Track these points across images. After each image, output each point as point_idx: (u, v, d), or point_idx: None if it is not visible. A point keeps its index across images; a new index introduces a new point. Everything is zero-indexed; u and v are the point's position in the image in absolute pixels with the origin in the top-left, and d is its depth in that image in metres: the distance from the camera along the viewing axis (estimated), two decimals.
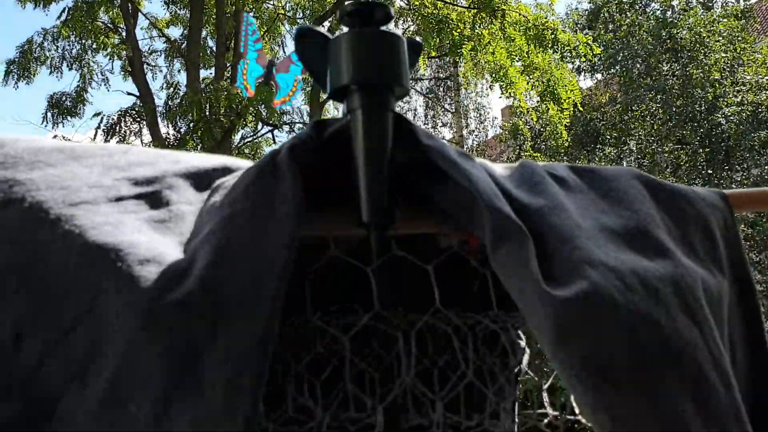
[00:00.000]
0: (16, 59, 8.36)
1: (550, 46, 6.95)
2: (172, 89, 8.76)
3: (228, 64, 7.98)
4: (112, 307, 0.48)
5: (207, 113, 7.06)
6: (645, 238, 0.60)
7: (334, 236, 0.65)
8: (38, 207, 0.51)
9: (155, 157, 0.63)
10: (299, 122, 9.02)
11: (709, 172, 9.19)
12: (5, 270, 0.49)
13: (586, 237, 0.58)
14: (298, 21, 9.01)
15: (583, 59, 7.75)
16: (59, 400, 0.48)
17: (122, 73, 8.82)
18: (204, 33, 8.49)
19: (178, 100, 7.88)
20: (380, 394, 0.65)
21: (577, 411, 0.68)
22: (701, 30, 9.70)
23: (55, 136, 7.79)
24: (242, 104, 6.94)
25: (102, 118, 8.16)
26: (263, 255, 0.52)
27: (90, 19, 7.92)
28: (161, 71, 9.59)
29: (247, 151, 9.24)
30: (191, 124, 7.31)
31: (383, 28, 0.63)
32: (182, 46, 8.59)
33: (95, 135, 8.05)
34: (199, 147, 7.40)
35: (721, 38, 9.73)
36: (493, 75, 7.07)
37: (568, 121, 7.48)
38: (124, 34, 8.25)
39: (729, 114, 9.06)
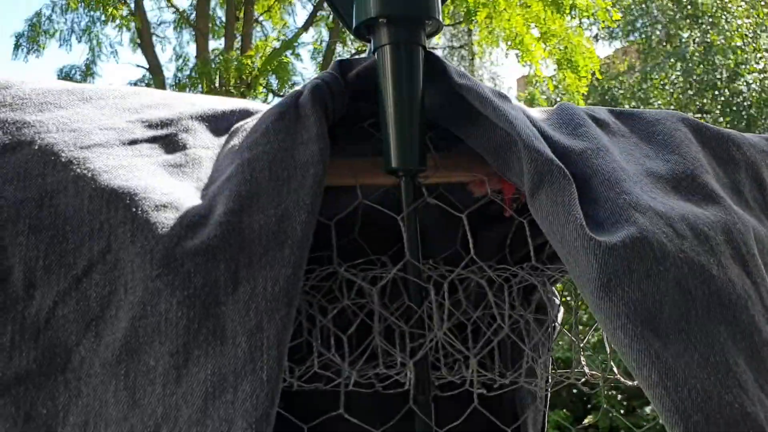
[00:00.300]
0: (25, 32, 8.32)
1: (567, 12, 6.77)
2: (181, 61, 8.69)
3: (238, 35, 7.88)
4: (127, 254, 0.46)
5: (217, 85, 6.99)
6: (693, 184, 0.57)
7: (360, 184, 0.59)
8: (48, 150, 0.49)
9: (170, 99, 0.60)
10: None
11: None
12: (15, 215, 0.47)
13: (633, 182, 0.54)
14: None
15: (602, 26, 7.56)
16: (73, 350, 0.46)
17: (131, 45, 8.75)
18: (213, 2, 8.37)
19: (188, 72, 7.81)
20: (410, 349, 0.61)
21: (616, 370, 0.63)
22: None
23: None
24: (252, 75, 6.85)
25: None
26: (286, 200, 0.49)
27: None
28: (170, 43, 9.52)
29: None
30: None
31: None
32: (191, 17, 8.48)
33: None
34: None
35: (743, 3, 9.46)
36: (509, 43, 6.90)
37: (585, 90, 7.31)
38: (132, 5, 8.16)
39: (751, 81, 8.86)
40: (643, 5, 9.86)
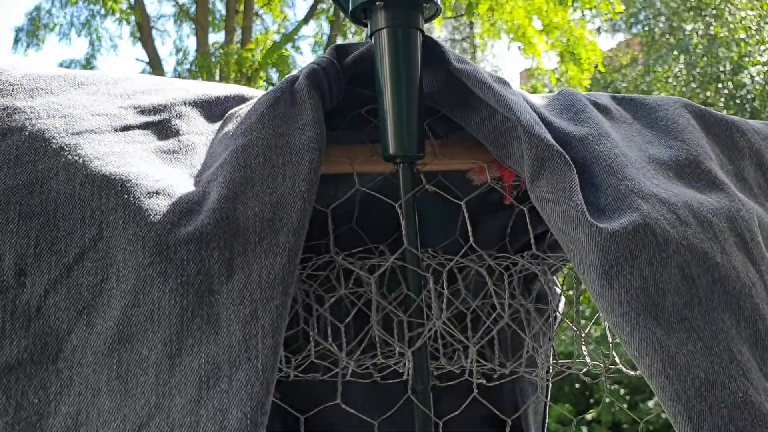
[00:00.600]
0: (25, 26, 8.32)
1: (570, 3, 6.73)
2: (181, 54, 8.67)
3: (238, 28, 7.85)
4: (119, 242, 0.45)
5: (217, 78, 6.97)
6: (697, 170, 0.56)
7: (358, 171, 0.58)
8: (39, 136, 0.48)
9: (163, 85, 0.59)
10: None
11: None
12: (5, 201, 0.46)
13: (635, 168, 0.53)
14: None
15: (605, 18, 7.52)
16: (65, 339, 0.45)
17: (131, 38, 8.74)
18: None
19: (188, 66, 7.79)
20: (409, 338, 0.60)
21: (618, 360, 0.63)
22: None
23: None
24: (253, 68, 6.83)
25: None
26: (282, 187, 0.48)
27: None
28: (170, 36, 9.51)
29: None
30: None
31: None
32: (191, 10, 8.46)
33: None
34: None
35: None
36: (511, 35, 6.86)
37: (588, 83, 7.27)
38: None
39: (754, 74, 8.82)
40: None
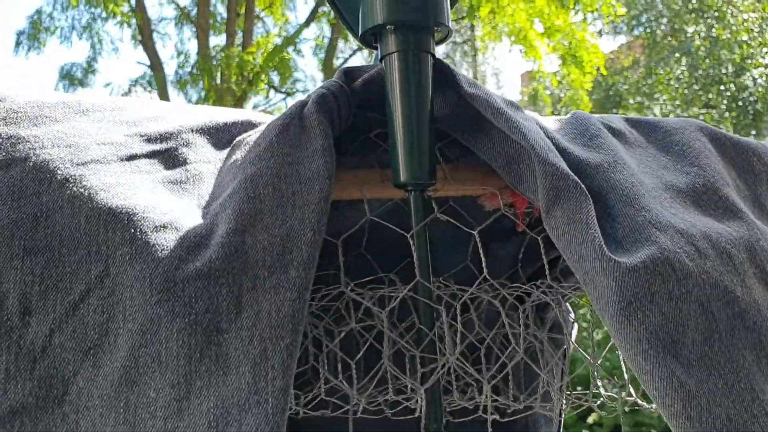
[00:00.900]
0: (26, 30, 8.33)
1: (572, 6, 6.71)
2: (182, 57, 8.66)
3: (239, 31, 7.85)
4: (126, 278, 0.44)
5: (218, 82, 6.97)
6: (714, 198, 0.54)
7: (367, 198, 0.57)
8: (44, 167, 0.47)
9: (170, 111, 0.59)
10: (313, 89, 8.87)
11: None
12: (9, 236, 0.45)
13: (652, 197, 0.52)
14: None
15: (607, 21, 7.50)
16: (71, 381, 0.44)
17: (132, 41, 8.75)
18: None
19: (189, 69, 7.79)
20: (421, 375, 0.59)
21: (634, 393, 0.61)
22: None
23: None
24: (254, 71, 6.83)
25: (112, 89, 8.13)
26: (291, 218, 0.47)
27: None
28: (171, 39, 9.51)
29: None
30: (202, 93, 7.24)
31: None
32: (192, 13, 8.46)
33: None
34: None
35: None
36: (512, 38, 6.85)
37: (590, 86, 7.26)
38: (133, 2, 8.14)
39: (757, 76, 8.80)
40: None
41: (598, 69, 7.12)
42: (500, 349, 0.64)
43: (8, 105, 0.51)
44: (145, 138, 0.54)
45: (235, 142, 0.57)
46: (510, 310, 0.62)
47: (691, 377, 0.43)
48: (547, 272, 0.60)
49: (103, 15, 8.39)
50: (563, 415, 0.69)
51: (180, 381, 0.42)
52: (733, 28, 9.15)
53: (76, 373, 0.44)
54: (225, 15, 8.12)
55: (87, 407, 0.43)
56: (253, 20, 8.02)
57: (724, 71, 9.13)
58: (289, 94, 8.51)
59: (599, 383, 0.62)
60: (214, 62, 6.98)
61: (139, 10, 7.92)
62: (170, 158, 0.54)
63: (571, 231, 0.48)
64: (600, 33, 9.99)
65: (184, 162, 0.54)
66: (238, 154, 0.54)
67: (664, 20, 9.79)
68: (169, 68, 8.44)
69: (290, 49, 7.38)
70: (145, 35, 7.91)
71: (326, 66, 8.23)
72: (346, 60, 8.43)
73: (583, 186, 0.49)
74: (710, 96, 9.28)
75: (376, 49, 0.57)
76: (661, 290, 0.45)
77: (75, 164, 0.48)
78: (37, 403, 0.43)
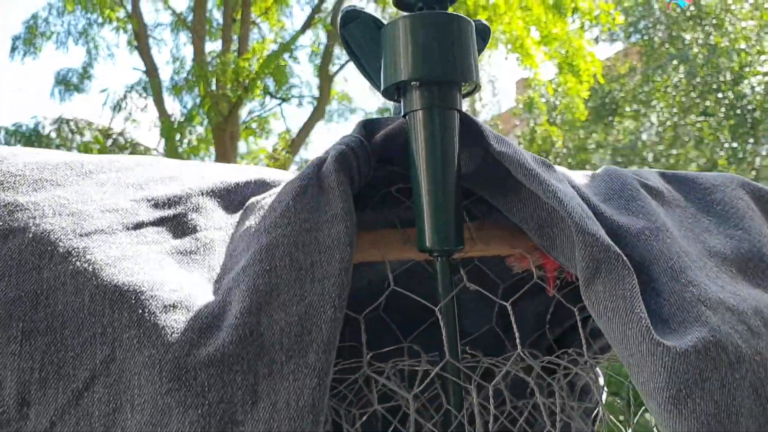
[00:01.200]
0: (22, 35, 8.32)
1: (569, 14, 6.70)
2: (178, 64, 8.65)
3: (235, 36, 7.83)
4: (134, 365, 0.41)
5: (214, 87, 6.95)
6: (761, 265, 0.52)
7: (389, 260, 0.54)
8: (44, 238, 0.44)
9: (178, 171, 0.55)
10: (308, 95, 8.84)
11: (734, 145, 8.94)
12: (6, 317, 0.42)
13: (698, 267, 0.50)
14: None
15: (605, 29, 7.48)
16: None
17: (128, 47, 8.73)
18: (210, 4, 8.33)
19: (184, 75, 7.77)
20: None
21: None
22: None
23: (60, 115, 7.74)
24: (249, 78, 6.81)
25: (108, 95, 8.12)
26: (310, 293, 0.44)
27: None
28: (167, 45, 9.48)
29: (254, 125, 9.11)
30: (198, 99, 7.22)
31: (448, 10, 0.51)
32: (188, 19, 8.44)
33: (102, 111, 8.01)
34: (205, 122, 7.31)
35: (747, 5, 9.38)
36: (509, 46, 6.83)
37: (587, 95, 7.24)
38: (129, 7, 8.13)
39: (755, 84, 8.79)
40: (646, 5, 9.78)
41: (595, 77, 7.10)
42: (528, 418, 0.61)
43: (5, 167, 0.47)
44: (153, 203, 0.50)
45: (248, 204, 0.54)
46: (539, 379, 0.60)
47: None
48: (584, 347, 0.57)
49: (99, 20, 8.38)
50: None
51: None
52: (731, 35, 9.14)
53: None
54: (221, 21, 8.11)
55: None
56: (249, 26, 8.00)
57: (722, 79, 9.12)
58: (284, 100, 8.49)
59: None
60: (210, 68, 6.96)
61: (135, 15, 7.90)
62: (179, 225, 0.50)
63: (614, 309, 0.45)
64: (597, 40, 9.98)
65: (194, 229, 0.50)
66: (252, 220, 0.50)
67: (662, 27, 9.78)
68: (165, 74, 8.42)
69: (286, 55, 7.35)
70: (140, 41, 7.89)
71: (322, 72, 8.22)
72: (342, 66, 8.41)
73: (625, 258, 0.46)
74: (708, 104, 9.26)
75: (399, 102, 0.54)
76: (713, 377, 0.42)
77: (78, 235, 0.45)
78: None
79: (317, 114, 8.07)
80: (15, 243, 0.43)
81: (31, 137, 7.53)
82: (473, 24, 0.52)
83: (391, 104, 0.59)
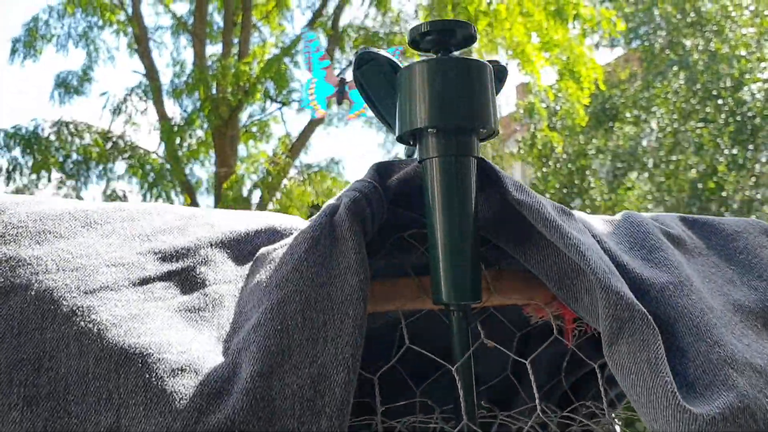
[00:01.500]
0: (22, 37, 8.31)
1: (571, 21, 6.70)
2: (178, 67, 8.64)
3: (235, 40, 7.84)
4: None
5: (214, 91, 6.95)
6: None
7: (403, 310, 0.53)
8: (47, 296, 0.42)
9: (185, 220, 0.53)
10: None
11: (734, 151, 8.94)
12: (7, 383, 0.40)
13: (723, 324, 0.49)
14: None
15: (606, 35, 7.49)
16: None
17: (128, 50, 8.72)
18: (210, 8, 8.33)
19: (185, 78, 7.77)
20: None
21: None
22: (727, 3, 9.37)
23: (60, 118, 7.73)
24: (250, 81, 6.81)
25: (108, 98, 8.11)
26: (323, 354, 0.43)
27: None
28: (167, 48, 9.47)
29: (254, 129, 9.10)
30: (198, 103, 7.22)
31: (464, 53, 0.51)
32: (188, 22, 8.44)
33: (102, 114, 8.00)
34: (205, 126, 7.31)
35: (747, 12, 9.40)
36: (510, 52, 6.83)
37: (588, 101, 7.24)
38: (130, 10, 8.13)
39: (755, 91, 8.80)
40: (647, 12, 9.79)
41: (596, 83, 7.10)
42: None
43: (7, 218, 0.46)
44: (160, 256, 0.49)
45: (258, 255, 0.52)
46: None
47: None
48: (604, 403, 0.55)
49: (100, 23, 8.38)
50: None
51: None
52: (732, 42, 9.15)
53: None
54: (222, 24, 8.10)
55: None
56: (250, 30, 8.00)
57: (722, 85, 9.12)
58: (284, 104, 8.49)
59: None
60: (210, 72, 6.95)
61: (136, 18, 7.90)
62: (187, 280, 0.49)
63: (638, 372, 0.44)
64: (597, 45, 9.99)
65: (203, 284, 0.49)
66: (263, 274, 0.48)
67: (662, 33, 9.79)
68: (165, 77, 8.41)
69: (287, 59, 7.35)
70: (141, 44, 7.89)
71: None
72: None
73: (650, 318, 0.45)
74: (708, 110, 9.27)
75: (414, 147, 0.53)
76: None
77: (82, 292, 0.43)
78: None
79: (318, 118, 8.07)
80: (16, 301, 0.42)
81: (31, 140, 7.52)
82: (491, 67, 0.50)
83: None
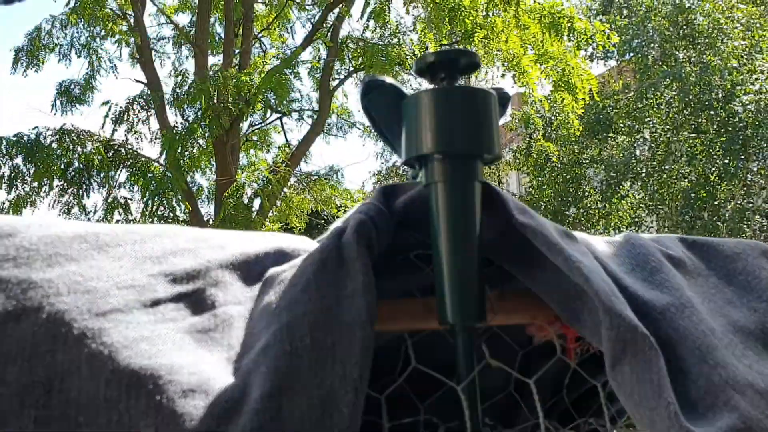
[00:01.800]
0: (24, 47, 8.33)
1: (565, 34, 6.82)
2: (180, 77, 8.71)
3: (236, 51, 7.91)
4: None
5: (215, 101, 7.00)
6: None
7: (409, 331, 0.54)
8: (59, 319, 0.42)
9: (195, 242, 0.53)
10: (308, 109, 8.93)
11: (725, 161, 9.05)
12: (18, 405, 0.40)
13: (724, 346, 0.49)
14: (307, 8, 8.90)
15: (600, 48, 7.60)
16: None
17: (130, 60, 8.78)
18: (212, 19, 8.41)
19: (186, 88, 7.82)
20: None
21: None
22: (719, 16, 9.50)
23: (63, 125, 7.74)
24: (251, 92, 6.88)
25: (110, 107, 8.14)
26: (331, 375, 0.43)
27: (98, 5, 7.88)
28: (169, 58, 9.54)
29: (255, 138, 9.18)
30: (199, 113, 7.27)
31: (468, 82, 0.54)
32: (190, 33, 8.52)
33: (103, 123, 8.03)
34: (206, 135, 7.36)
35: (739, 25, 9.53)
36: (506, 64, 6.94)
37: (582, 111, 7.34)
38: (132, 20, 8.19)
39: (746, 102, 8.89)
40: (640, 25, 9.92)
41: (590, 93, 7.21)
42: None
43: (19, 242, 0.46)
44: (171, 278, 0.49)
45: (267, 276, 0.53)
46: None
47: None
48: (607, 420, 0.57)
49: (102, 33, 8.44)
50: None
51: None
52: (724, 54, 9.26)
53: None
54: (223, 35, 8.19)
55: None
56: (251, 41, 8.10)
57: (714, 96, 9.23)
58: (285, 114, 8.58)
59: None
60: (212, 82, 7.01)
61: (138, 29, 7.98)
62: (198, 301, 0.49)
63: (641, 392, 0.44)
64: (591, 57, 10.11)
65: (213, 305, 0.49)
66: (272, 296, 0.49)
67: (655, 46, 9.92)
68: (167, 87, 8.46)
69: (287, 70, 7.44)
70: (143, 54, 7.95)
71: (322, 87, 8.31)
72: (341, 81, 8.50)
73: (653, 340, 0.45)
74: (700, 121, 9.39)
75: (419, 171, 0.54)
76: None
77: (94, 315, 0.43)
78: None
79: (317, 127, 8.16)
80: (28, 324, 0.42)
81: (33, 148, 7.55)
82: (495, 95, 0.52)
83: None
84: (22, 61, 8.20)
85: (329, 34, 8.03)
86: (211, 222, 7.50)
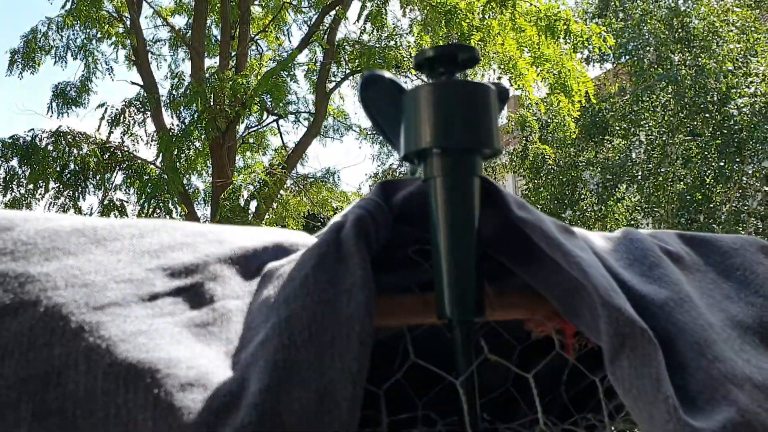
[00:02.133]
0: (20, 49, 8.33)
1: (562, 36, 6.84)
2: (176, 79, 8.71)
3: (233, 53, 7.92)
4: None
5: (212, 103, 7.00)
6: None
7: (408, 326, 0.54)
8: (56, 312, 0.42)
9: (194, 237, 0.53)
10: (305, 111, 8.94)
11: (721, 164, 9.08)
12: (15, 399, 0.40)
13: (722, 340, 0.50)
14: (304, 10, 8.91)
15: (596, 50, 7.63)
16: None
17: (126, 62, 8.78)
18: (209, 21, 8.41)
19: (183, 90, 7.83)
20: None
21: None
22: (714, 19, 9.55)
23: (59, 127, 7.74)
24: (247, 94, 6.89)
25: (106, 109, 8.13)
26: (330, 369, 0.43)
27: (94, 8, 7.87)
28: (165, 60, 9.54)
29: (251, 140, 9.19)
30: (195, 115, 7.27)
31: (467, 76, 0.53)
32: (186, 35, 8.52)
33: (99, 125, 8.02)
34: (203, 137, 7.36)
35: (734, 28, 9.57)
36: (502, 67, 6.96)
37: (578, 114, 7.37)
38: (128, 23, 8.20)
39: (741, 105, 8.94)
40: (635, 28, 9.96)
41: (587, 96, 7.24)
42: None
43: (16, 235, 0.46)
44: (169, 272, 0.49)
45: (265, 271, 0.53)
46: None
47: None
48: (606, 418, 0.57)
49: (98, 35, 8.44)
50: None
51: None
52: (719, 58, 9.31)
53: None
54: (219, 38, 8.19)
55: None
56: (248, 43, 8.10)
57: (709, 99, 9.27)
58: (281, 116, 8.59)
59: None
60: (208, 84, 7.02)
61: (134, 31, 7.98)
62: (196, 296, 0.49)
63: (640, 386, 0.44)
64: (587, 60, 10.15)
65: (211, 299, 0.49)
66: (271, 290, 0.49)
67: (651, 49, 9.96)
68: (163, 89, 8.46)
69: (283, 72, 7.45)
70: (139, 56, 7.95)
71: (318, 89, 8.33)
72: (338, 83, 8.51)
73: (651, 334, 0.45)
74: (695, 124, 9.42)
75: (418, 166, 0.54)
76: None
77: (91, 308, 0.43)
78: None
79: (313, 130, 8.17)
80: (25, 318, 0.42)
81: (29, 150, 7.54)
82: (494, 90, 0.52)
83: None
84: (18, 63, 8.20)
85: (326, 36, 8.04)
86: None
